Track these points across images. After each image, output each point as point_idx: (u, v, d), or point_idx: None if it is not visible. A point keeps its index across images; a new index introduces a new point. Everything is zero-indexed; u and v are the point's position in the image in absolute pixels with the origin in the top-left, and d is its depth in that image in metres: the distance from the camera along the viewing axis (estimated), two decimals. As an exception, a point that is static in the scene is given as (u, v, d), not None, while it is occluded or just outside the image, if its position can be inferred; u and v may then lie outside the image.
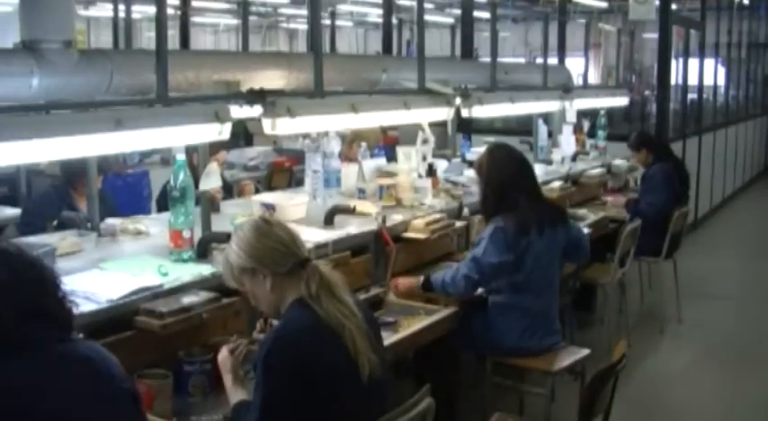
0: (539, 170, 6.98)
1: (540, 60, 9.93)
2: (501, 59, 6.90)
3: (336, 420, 2.78)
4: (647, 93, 16.71)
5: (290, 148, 9.77)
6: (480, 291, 4.51)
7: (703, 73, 12.89)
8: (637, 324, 7.11)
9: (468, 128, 8.88)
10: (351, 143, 6.51)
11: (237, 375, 3.05)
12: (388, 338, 3.79)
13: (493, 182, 4.59)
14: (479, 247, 4.43)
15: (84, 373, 2.30)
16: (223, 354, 3.11)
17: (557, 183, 6.62)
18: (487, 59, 7.52)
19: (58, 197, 5.45)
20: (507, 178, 4.54)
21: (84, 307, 3.01)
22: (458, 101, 5.47)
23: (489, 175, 4.62)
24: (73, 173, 5.41)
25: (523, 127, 9.33)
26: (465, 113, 5.66)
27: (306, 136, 9.14)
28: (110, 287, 3.26)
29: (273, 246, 2.91)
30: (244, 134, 9.51)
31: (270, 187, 7.83)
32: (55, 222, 4.76)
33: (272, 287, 2.90)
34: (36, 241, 3.93)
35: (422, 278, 4.54)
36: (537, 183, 4.77)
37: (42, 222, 4.86)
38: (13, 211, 6.66)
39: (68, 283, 2.51)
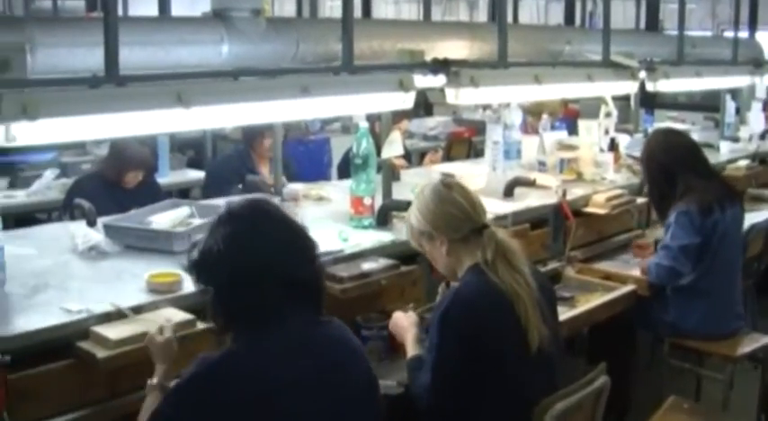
0: (724, 148, 6.78)
1: (728, 34, 9.57)
2: (687, 32, 6.66)
3: (501, 388, 2.77)
4: None
5: (469, 119, 9.75)
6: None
7: None
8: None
9: (651, 102, 8.66)
10: (539, 115, 6.46)
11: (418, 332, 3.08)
12: (564, 313, 3.76)
13: (654, 170, 4.52)
14: (667, 235, 4.35)
15: (341, 355, 2.37)
16: (399, 314, 3.17)
17: (743, 162, 6.41)
18: (673, 32, 7.28)
19: (240, 161, 5.60)
20: (670, 163, 4.44)
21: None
22: (643, 74, 5.33)
23: (650, 165, 4.55)
24: (251, 133, 5.57)
25: (709, 102, 9.02)
26: (650, 87, 5.52)
27: (486, 107, 9.11)
28: (293, 250, 3.32)
29: (450, 212, 2.91)
30: (424, 104, 9.56)
31: (449, 157, 7.83)
32: (240, 186, 4.90)
33: (448, 251, 2.92)
34: (220, 204, 4.05)
35: None
36: (707, 162, 4.64)
37: (224, 186, 5.01)
38: (198, 174, 6.88)
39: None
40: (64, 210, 5.08)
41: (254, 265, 2.27)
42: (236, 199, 2.73)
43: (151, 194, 5.08)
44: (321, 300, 2.41)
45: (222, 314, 2.35)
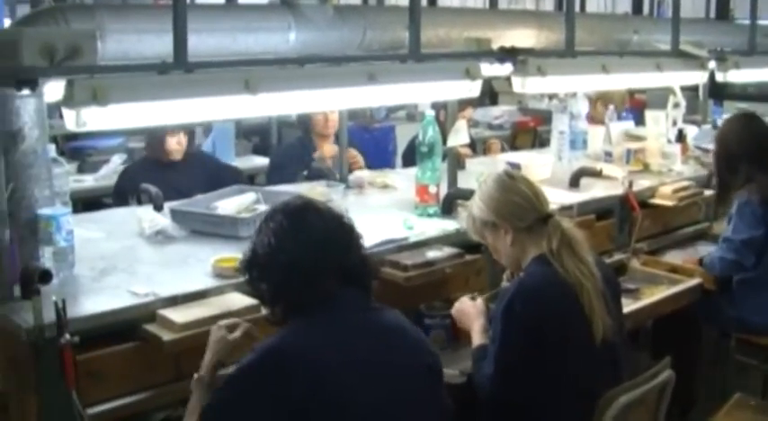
0: (796, 141, 6.64)
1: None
2: (759, 21, 6.53)
3: (564, 378, 2.77)
4: None
5: (534, 108, 9.66)
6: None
7: None
8: None
9: (720, 93, 8.51)
10: (596, 104, 6.40)
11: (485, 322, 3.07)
12: (629, 306, 3.72)
13: (720, 156, 4.46)
14: (729, 227, 4.31)
15: (394, 341, 2.37)
16: (466, 301, 3.16)
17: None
18: (745, 21, 7.15)
19: (302, 148, 5.61)
20: (736, 150, 4.38)
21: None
22: (712, 64, 5.24)
23: (719, 149, 4.49)
24: (304, 115, 5.57)
25: (781, 94, 8.84)
26: (720, 78, 5.43)
27: (552, 96, 9.03)
28: (357, 238, 3.33)
29: (515, 201, 2.91)
30: (489, 92, 9.50)
31: (514, 147, 7.78)
32: (305, 172, 4.92)
33: (512, 241, 2.92)
34: (285, 190, 4.08)
35: None
36: None
37: (287, 173, 5.03)
38: (263, 160, 6.90)
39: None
40: (114, 198, 5.11)
41: (303, 258, 2.31)
42: (294, 189, 2.76)
43: (199, 166, 5.14)
44: (370, 288, 2.43)
45: (277, 305, 2.39)
